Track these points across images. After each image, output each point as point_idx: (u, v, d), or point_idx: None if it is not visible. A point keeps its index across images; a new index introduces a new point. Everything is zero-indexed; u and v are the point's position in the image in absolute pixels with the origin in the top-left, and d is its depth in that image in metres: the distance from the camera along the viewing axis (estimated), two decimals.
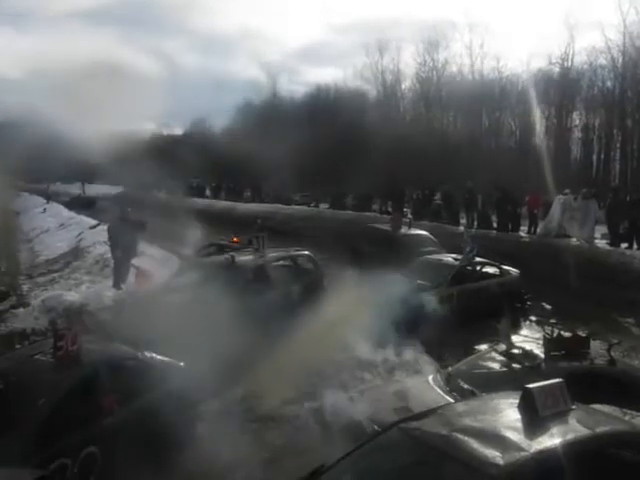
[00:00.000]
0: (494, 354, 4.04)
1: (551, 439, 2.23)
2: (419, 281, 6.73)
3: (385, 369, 4.69)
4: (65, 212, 17.77)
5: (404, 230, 8.71)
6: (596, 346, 4.05)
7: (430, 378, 4.00)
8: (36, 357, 3.37)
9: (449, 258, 7.40)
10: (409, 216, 10.78)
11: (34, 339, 5.34)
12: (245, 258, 6.41)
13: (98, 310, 6.44)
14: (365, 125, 21.18)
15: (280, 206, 18.28)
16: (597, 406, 2.81)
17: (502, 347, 4.04)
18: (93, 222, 14.18)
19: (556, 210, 10.66)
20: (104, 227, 10.35)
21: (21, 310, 6.51)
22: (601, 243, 10.35)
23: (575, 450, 2.19)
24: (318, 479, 2.39)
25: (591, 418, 2.47)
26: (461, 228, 10.64)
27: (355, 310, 5.00)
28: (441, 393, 3.68)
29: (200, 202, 21.79)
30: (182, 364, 3.99)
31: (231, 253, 6.61)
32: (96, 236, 11.27)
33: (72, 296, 6.80)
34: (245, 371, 4.42)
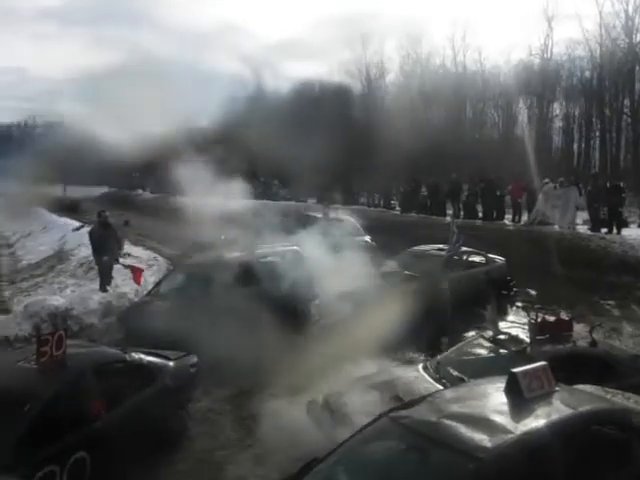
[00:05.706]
0: (481, 340, 4.10)
1: (536, 420, 2.29)
2: (407, 272, 6.78)
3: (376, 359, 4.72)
4: (47, 215, 17.29)
5: (332, 216, 10.16)
6: (579, 328, 4.15)
7: (420, 367, 4.04)
8: (19, 364, 3.29)
9: (435, 249, 7.49)
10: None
11: (18, 346, 5.21)
12: (232, 256, 6.36)
13: (84, 314, 6.33)
14: (351, 119, 21.05)
15: (267, 202, 18.26)
16: (580, 386, 2.88)
17: (489, 333, 4.11)
18: (76, 224, 13.84)
19: (540, 200, 10.91)
20: (88, 229, 10.10)
21: (2, 317, 6.34)
22: (582, 229, 10.60)
23: (559, 429, 2.25)
24: (310, 472, 2.40)
25: (574, 398, 2.54)
26: (448, 219, 10.81)
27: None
28: (431, 381, 3.72)
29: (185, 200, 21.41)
30: (172, 363, 3.96)
31: (218, 251, 6.56)
32: (80, 238, 10.99)
33: (56, 300, 6.65)
34: (236, 368, 4.41)
